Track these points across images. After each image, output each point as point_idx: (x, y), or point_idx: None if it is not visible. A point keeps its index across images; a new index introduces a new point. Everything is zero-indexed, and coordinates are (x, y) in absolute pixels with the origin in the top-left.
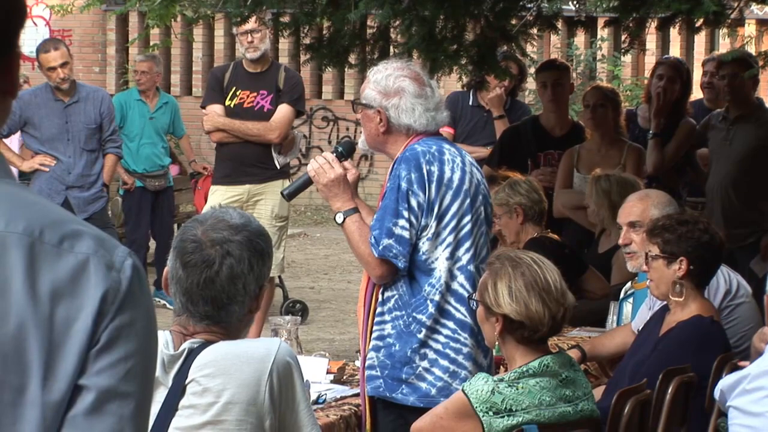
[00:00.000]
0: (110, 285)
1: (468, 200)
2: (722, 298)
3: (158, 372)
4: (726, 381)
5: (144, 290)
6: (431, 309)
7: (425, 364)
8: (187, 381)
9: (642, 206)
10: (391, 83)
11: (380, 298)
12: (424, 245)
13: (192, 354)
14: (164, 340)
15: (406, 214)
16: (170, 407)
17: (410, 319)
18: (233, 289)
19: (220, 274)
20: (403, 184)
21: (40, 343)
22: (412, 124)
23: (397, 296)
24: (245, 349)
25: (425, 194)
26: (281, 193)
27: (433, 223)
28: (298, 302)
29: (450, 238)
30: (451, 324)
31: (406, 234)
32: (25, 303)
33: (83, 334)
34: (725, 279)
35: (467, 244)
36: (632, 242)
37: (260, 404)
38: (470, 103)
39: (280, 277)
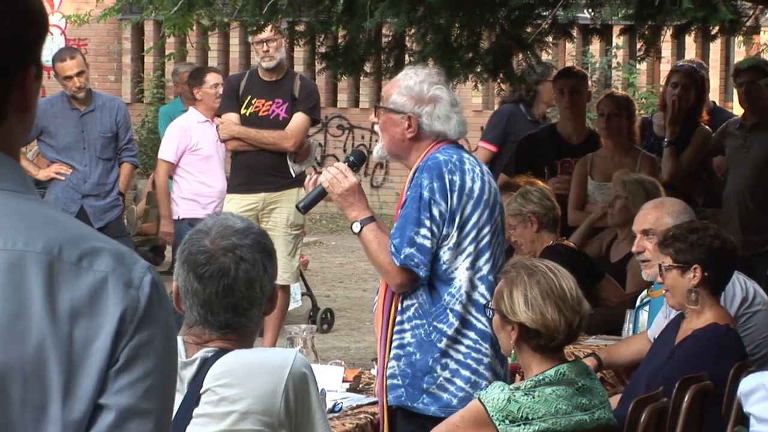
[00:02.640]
0: (128, 304)
1: (487, 210)
2: (739, 305)
3: None
4: (744, 386)
5: (163, 305)
6: (452, 319)
7: (447, 374)
8: (202, 390)
9: (656, 214)
10: (425, 90)
11: (399, 307)
12: (444, 254)
13: (206, 363)
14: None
15: (427, 223)
16: (184, 416)
17: (431, 328)
18: (252, 294)
19: (238, 281)
20: (426, 193)
21: (59, 362)
22: (446, 131)
23: (417, 305)
24: (262, 359)
25: (447, 204)
26: (296, 207)
27: (454, 233)
28: (327, 309)
29: (470, 248)
30: (472, 334)
31: (427, 243)
32: (44, 322)
33: (102, 353)
34: (742, 287)
35: (487, 255)
36: (645, 250)
37: (276, 415)
38: (528, 118)
39: (307, 284)
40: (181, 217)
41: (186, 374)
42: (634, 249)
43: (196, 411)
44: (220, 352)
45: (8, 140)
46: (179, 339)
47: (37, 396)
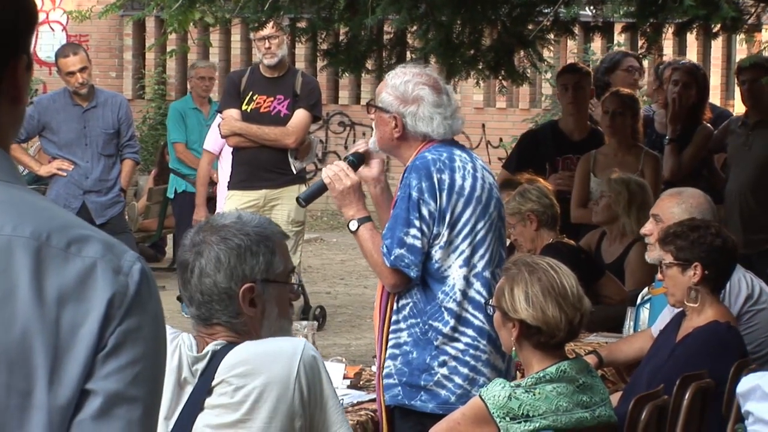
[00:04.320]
0: (117, 289)
1: (480, 206)
2: (743, 302)
3: (185, 373)
4: (743, 386)
5: (153, 295)
6: (447, 317)
7: (444, 371)
8: (216, 382)
9: (668, 202)
10: (409, 90)
11: (395, 307)
12: (436, 253)
13: (217, 355)
14: (189, 342)
15: (417, 223)
16: (194, 405)
17: (426, 326)
18: (205, 288)
19: (193, 275)
20: (414, 193)
21: (46, 347)
22: (429, 132)
23: (411, 304)
24: (273, 347)
25: (436, 203)
26: (297, 199)
27: (445, 232)
28: (319, 307)
29: (464, 246)
30: (470, 331)
31: (417, 243)
32: (31, 307)
33: (90, 338)
34: (747, 284)
35: (482, 251)
36: (651, 233)
37: (290, 402)
38: None
39: (301, 282)
40: (217, 210)
41: (198, 368)
42: (641, 230)
43: (209, 401)
44: (229, 345)
45: None
46: (190, 336)
47: (23, 382)
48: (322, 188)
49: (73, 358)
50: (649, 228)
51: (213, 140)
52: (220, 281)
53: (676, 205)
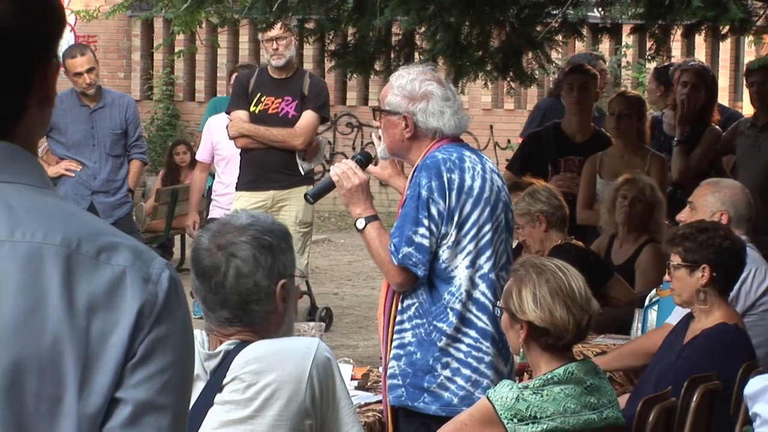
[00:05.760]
0: (147, 298)
1: (488, 208)
2: (764, 291)
3: (197, 369)
4: (751, 388)
5: (180, 302)
6: (452, 318)
7: (447, 372)
8: (227, 380)
9: (705, 190)
10: (416, 87)
11: (400, 306)
12: (443, 253)
13: (230, 354)
14: (200, 339)
15: (426, 222)
16: (205, 401)
17: (431, 327)
18: (243, 289)
19: (228, 277)
20: (424, 192)
21: (76, 355)
22: (441, 126)
23: (417, 304)
24: (287, 346)
25: (446, 202)
26: (305, 196)
27: (453, 232)
28: (325, 308)
29: (470, 247)
30: (473, 333)
31: (425, 242)
32: (61, 315)
33: (119, 347)
34: None
35: (488, 253)
36: (686, 220)
37: (301, 402)
38: None
39: (307, 283)
40: (208, 217)
41: (210, 365)
42: (677, 217)
43: (220, 397)
44: (242, 344)
45: (28, 134)
46: (203, 332)
47: (52, 389)
48: (330, 186)
49: (103, 366)
50: (684, 214)
51: (202, 149)
52: (259, 280)
53: (710, 194)
